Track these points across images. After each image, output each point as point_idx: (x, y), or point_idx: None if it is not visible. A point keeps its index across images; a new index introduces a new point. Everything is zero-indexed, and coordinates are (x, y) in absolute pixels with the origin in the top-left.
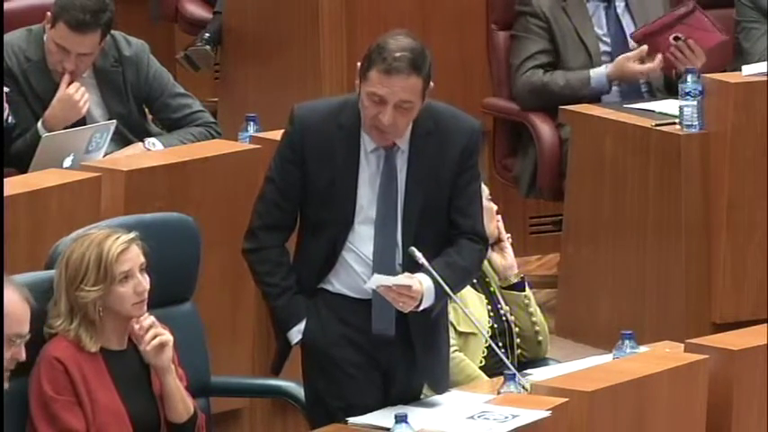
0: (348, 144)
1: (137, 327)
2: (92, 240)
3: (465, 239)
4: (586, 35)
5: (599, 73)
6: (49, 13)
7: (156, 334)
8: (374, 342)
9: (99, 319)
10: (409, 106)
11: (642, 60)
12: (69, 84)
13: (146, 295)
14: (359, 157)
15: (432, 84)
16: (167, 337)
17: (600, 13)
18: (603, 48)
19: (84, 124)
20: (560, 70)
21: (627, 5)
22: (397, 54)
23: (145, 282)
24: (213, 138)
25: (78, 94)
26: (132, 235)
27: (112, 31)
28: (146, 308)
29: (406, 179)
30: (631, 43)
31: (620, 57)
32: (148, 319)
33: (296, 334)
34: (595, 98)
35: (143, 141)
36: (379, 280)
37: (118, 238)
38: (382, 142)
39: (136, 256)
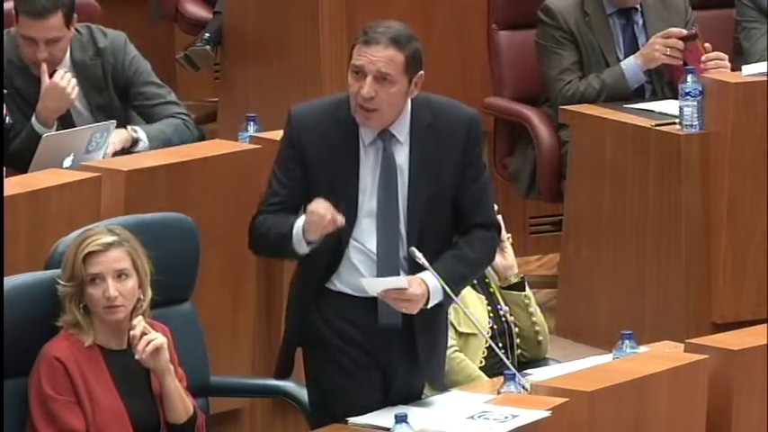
0: (346, 139)
1: (132, 337)
2: (79, 236)
3: (478, 229)
4: (609, 54)
5: (629, 63)
6: (13, 11)
7: (148, 341)
8: (376, 341)
9: (82, 316)
10: (390, 80)
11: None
12: (50, 74)
13: (117, 302)
14: (358, 150)
15: (421, 73)
16: (160, 340)
17: (618, 30)
18: None
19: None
20: (592, 74)
21: (644, 24)
22: (380, 29)
23: (115, 288)
24: (189, 129)
25: (64, 81)
26: (115, 239)
27: (90, 25)
28: (120, 315)
29: (409, 171)
30: None
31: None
32: (139, 327)
33: (299, 224)
34: (636, 93)
35: (125, 127)
36: (372, 284)
37: (97, 239)
38: (365, 122)
39: (111, 260)
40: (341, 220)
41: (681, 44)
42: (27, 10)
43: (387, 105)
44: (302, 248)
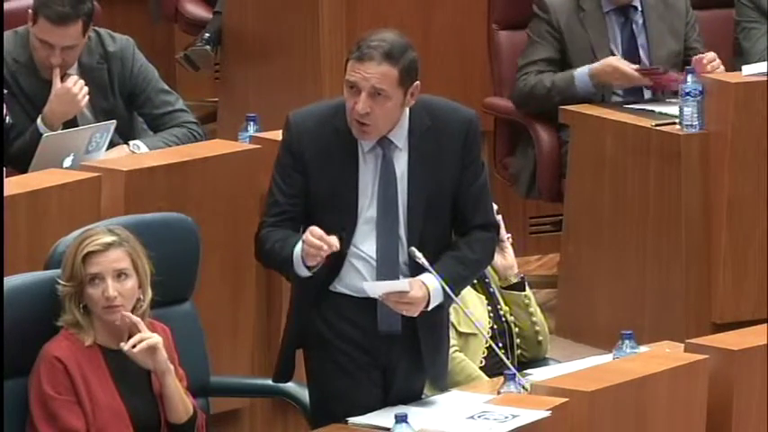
0: (345, 146)
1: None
2: (79, 236)
3: (477, 230)
4: (601, 51)
5: (582, 72)
6: (30, 11)
7: (140, 339)
8: (376, 341)
9: (82, 316)
10: (384, 95)
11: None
12: (62, 78)
13: (116, 302)
14: (357, 157)
15: (417, 83)
16: (154, 339)
17: (615, 28)
18: None
19: (75, 117)
20: (549, 72)
21: (644, 24)
22: (373, 43)
23: (114, 288)
24: (196, 138)
25: (76, 88)
26: (115, 239)
27: (98, 28)
28: (120, 315)
29: (408, 177)
30: (644, 63)
31: (610, 57)
32: (134, 318)
33: (298, 250)
34: (583, 100)
35: (128, 144)
36: (373, 287)
37: (97, 239)
38: (362, 136)
39: (111, 260)
40: (336, 245)
41: (642, 79)
42: (48, 15)
43: (382, 119)
44: (303, 272)
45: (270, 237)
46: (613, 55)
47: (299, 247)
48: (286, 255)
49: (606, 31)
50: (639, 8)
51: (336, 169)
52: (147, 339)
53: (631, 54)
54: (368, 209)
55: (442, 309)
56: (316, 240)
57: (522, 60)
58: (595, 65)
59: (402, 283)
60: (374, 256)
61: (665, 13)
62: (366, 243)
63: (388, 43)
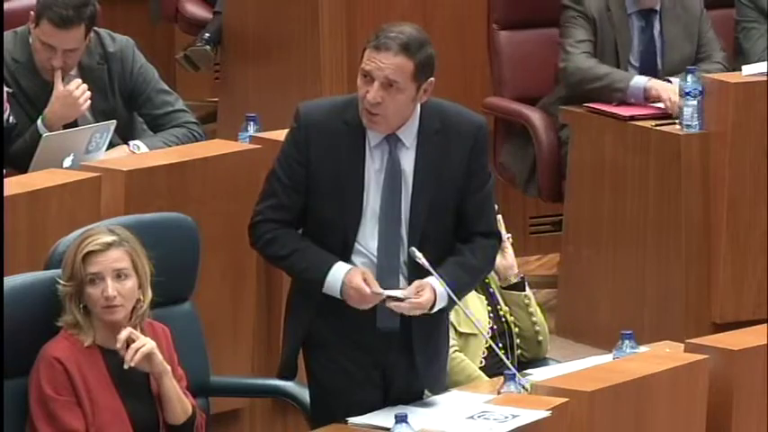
0: (353, 140)
1: (117, 345)
2: (79, 235)
3: (479, 237)
4: (624, 52)
5: (640, 80)
6: (32, 13)
7: (135, 349)
8: (375, 341)
9: (82, 316)
10: (397, 87)
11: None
12: (63, 80)
13: (116, 302)
14: (364, 152)
15: (431, 80)
16: (148, 346)
17: (635, 33)
18: (632, 71)
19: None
20: (604, 65)
21: (661, 32)
22: (392, 34)
23: (114, 288)
24: (196, 138)
25: (78, 91)
26: (115, 238)
27: (98, 29)
28: (119, 315)
29: (414, 177)
30: (658, 67)
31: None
32: (123, 333)
33: (338, 276)
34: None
35: (128, 144)
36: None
37: (97, 239)
38: (371, 126)
39: (111, 260)
40: (378, 296)
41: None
42: (52, 18)
43: (392, 111)
44: (333, 292)
45: (284, 240)
46: (630, 62)
47: (340, 275)
48: (317, 276)
49: (629, 33)
50: (659, 12)
51: (342, 162)
52: (141, 349)
53: (648, 58)
54: (371, 205)
55: (442, 314)
56: (364, 287)
57: (569, 39)
58: (654, 83)
59: (407, 291)
60: (376, 253)
61: (683, 16)
62: (369, 240)
63: (407, 36)
